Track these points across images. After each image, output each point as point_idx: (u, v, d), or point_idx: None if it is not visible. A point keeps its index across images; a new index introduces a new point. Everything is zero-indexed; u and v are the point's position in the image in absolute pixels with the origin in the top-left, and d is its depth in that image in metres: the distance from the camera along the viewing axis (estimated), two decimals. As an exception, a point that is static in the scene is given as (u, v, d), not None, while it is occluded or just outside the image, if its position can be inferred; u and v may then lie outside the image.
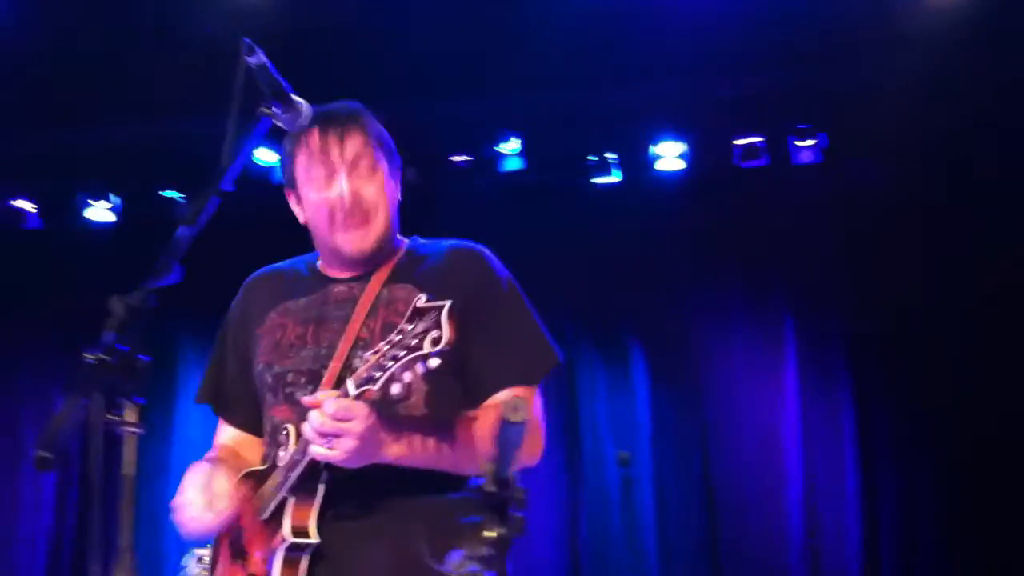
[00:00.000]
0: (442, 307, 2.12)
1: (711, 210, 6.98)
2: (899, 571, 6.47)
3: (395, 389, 2.17)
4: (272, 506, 2.41)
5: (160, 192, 7.09)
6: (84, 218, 7.15)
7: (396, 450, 2.31)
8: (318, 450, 2.23)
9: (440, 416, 2.43)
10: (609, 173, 6.95)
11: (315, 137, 2.53)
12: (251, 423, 2.71)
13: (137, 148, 6.88)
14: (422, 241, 2.74)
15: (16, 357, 7.54)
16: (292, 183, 2.64)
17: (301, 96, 2.33)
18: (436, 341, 2.09)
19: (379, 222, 2.56)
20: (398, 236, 2.69)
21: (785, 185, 6.90)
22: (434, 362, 2.13)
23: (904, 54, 6.04)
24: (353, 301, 2.55)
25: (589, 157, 6.92)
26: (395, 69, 6.01)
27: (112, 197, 7.14)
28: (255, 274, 2.83)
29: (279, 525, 2.37)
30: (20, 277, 7.32)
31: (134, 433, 1.62)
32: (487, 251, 2.69)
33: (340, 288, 2.62)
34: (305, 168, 2.58)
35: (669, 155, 6.81)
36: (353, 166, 2.54)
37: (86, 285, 6.98)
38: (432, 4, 5.74)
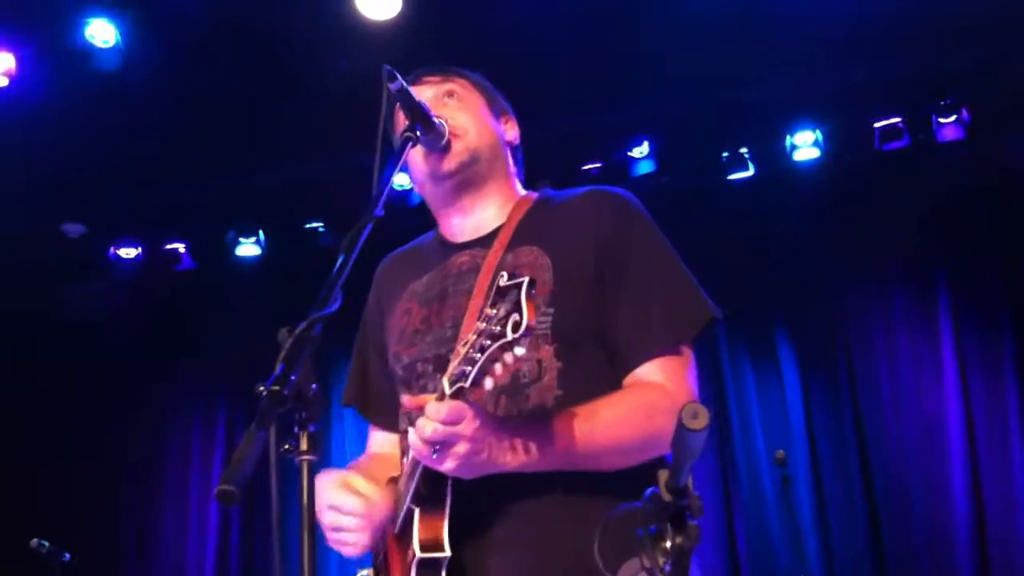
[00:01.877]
0: (521, 285, 1.82)
1: (854, 197, 6.80)
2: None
3: (488, 384, 1.87)
4: (401, 518, 2.16)
5: (303, 225, 7.30)
6: (235, 255, 7.43)
7: (513, 459, 2.00)
8: (426, 460, 1.98)
9: (576, 398, 2.13)
10: (744, 168, 6.83)
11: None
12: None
13: (281, 186, 7.10)
14: (552, 192, 2.49)
15: (180, 393, 7.85)
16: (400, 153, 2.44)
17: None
18: (517, 326, 1.79)
19: (464, 144, 2.37)
20: (519, 187, 2.51)
21: (930, 164, 6.66)
22: (519, 350, 1.81)
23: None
24: (476, 270, 2.30)
25: (722, 153, 6.83)
26: (520, 85, 6.02)
27: (259, 233, 7.40)
28: (383, 262, 2.64)
29: (411, 538, 2.10)
30: (179, 315, 7.65)
31: (309, 461, 1.64)
32: (627, 192, 2.41)
33: (463, 257, 2.38)
34: (398, 117, 2.45)
35: (805, 144, 6.67)
36: (439, 100, 2.43)
37: (239, 317, 7.26)
38: (553, 15, 5.74)
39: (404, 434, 2.32)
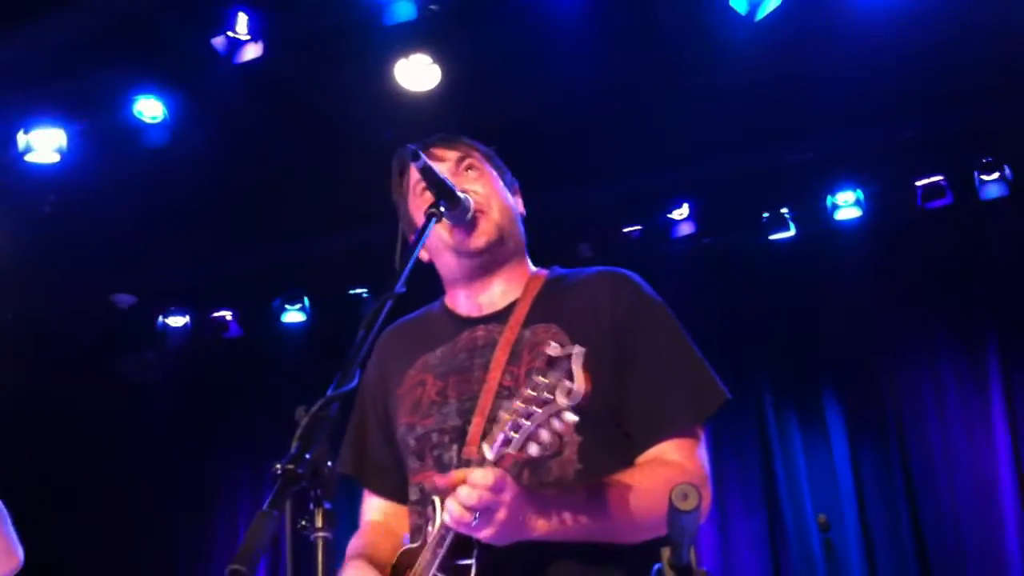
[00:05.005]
0: (572, 355, 1.90)
1: (898, 256, 6.75)
2: None
3: (533, 450, 1.93)
4: None
5: (348, 291, 7.39)
6: (281, 322, 7.54)
7: (542, 526, 2.05)
8: (464, 528, 1.99)
9: (595, 472, 2.19)
10: (786, 228, 6.82)
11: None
12: (400, 491, 2.48)
13: (325, 253, 7.20)
14: (562, 271, 2.53)
15: (227, 460, 7.91)
16: (411, 223, 2.51)
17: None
18: (570, 393, 1.87)
19: (491, 221, 2.40)
20: (531, 264, 2.53)
21: (974, 222, 6.60)
22: (570, 416, 1.88)
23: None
24: (493, 345, 2.34)
25: (763, 214, 6.82)
26: (560, 151, 6.09)
27: (304, 300, 7.51)
28: (387, 330, 2.59)
29: None
30: (227, 382, 7.74)
31: (324, 538, 1.66)
32: (636, 276, 2.46)
33: (478, 332, 2.41)
34: (417, 192, 2.49)
35: (847, 204, 6.64)
36: (458, 171, 2.45)
37: (286, 383, 7.33)
38: (592, 81, 5.80)
39: (416, 505, 2.37)
